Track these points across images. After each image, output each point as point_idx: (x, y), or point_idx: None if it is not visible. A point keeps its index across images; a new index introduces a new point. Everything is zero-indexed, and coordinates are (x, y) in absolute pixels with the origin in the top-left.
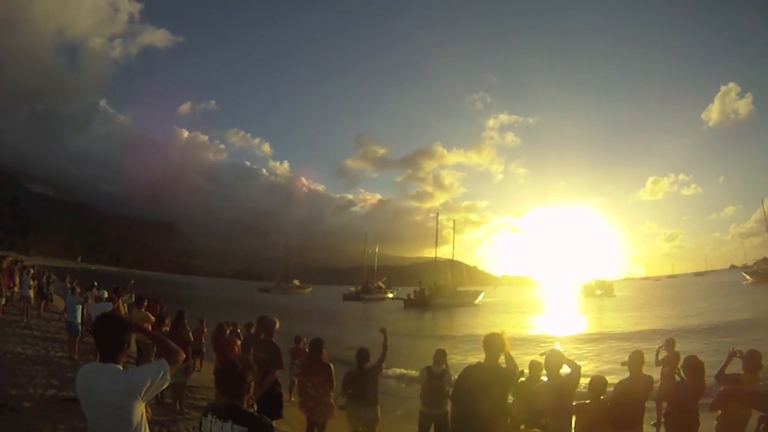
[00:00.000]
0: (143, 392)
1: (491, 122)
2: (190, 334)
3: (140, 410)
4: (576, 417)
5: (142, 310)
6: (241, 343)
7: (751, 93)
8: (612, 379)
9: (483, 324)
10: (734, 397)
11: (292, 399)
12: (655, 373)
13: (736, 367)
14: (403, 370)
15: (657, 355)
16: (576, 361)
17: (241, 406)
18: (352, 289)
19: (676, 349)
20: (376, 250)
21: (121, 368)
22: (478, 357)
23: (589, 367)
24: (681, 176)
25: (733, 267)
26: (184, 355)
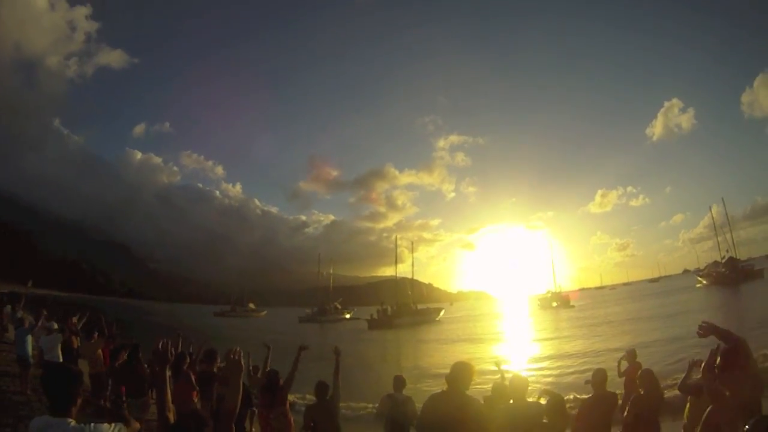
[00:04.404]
0: None
1: (441, 143)
2: (146, 367)
3: None
4: None
5: (92, 341)
6: (198, 378)
7: (693, 107)
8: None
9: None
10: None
11: (253, 430)
12: (620, 387)
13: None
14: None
15: (619, 366)
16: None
17: None
18: (308, 311)
19: (637, 360)
20: (331, 270)
21: (75, 425)
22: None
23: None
24: (629, 188)
25: (686, 271)
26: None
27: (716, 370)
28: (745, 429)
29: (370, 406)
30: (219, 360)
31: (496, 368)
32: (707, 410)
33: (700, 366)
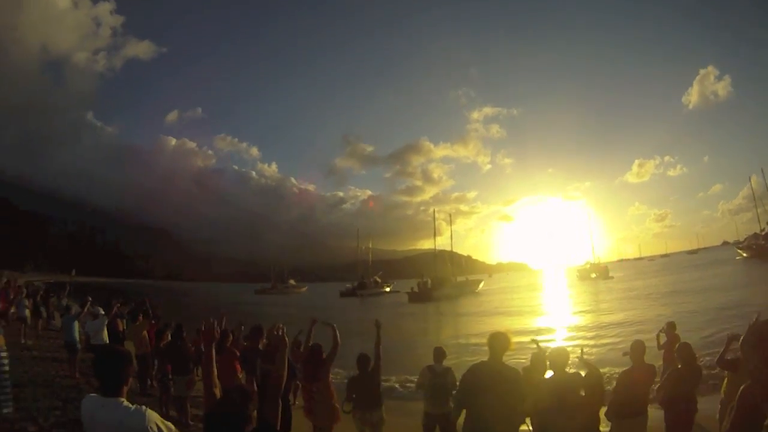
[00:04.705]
0: None
1: (475, 115)
2: (190, 345)
3: None
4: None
5: (137, 323)
6: (242, 359)
7: (729, 75)
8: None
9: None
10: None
11: (296, 403)
12: (659, 360)
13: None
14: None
15: (658, 339)
16: (597, 367)
17: None
18: (349, 285)
19: (676, 332)
20: (370, 245)
21: (127, 405)
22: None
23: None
24: (666, 158)
25: (725, 243)
26: None
27: (754, 346)
28: None
29: (411, 378)
30: (264, 336)
31: (535, 345)
32: (743, 386)
33: (738, 340)
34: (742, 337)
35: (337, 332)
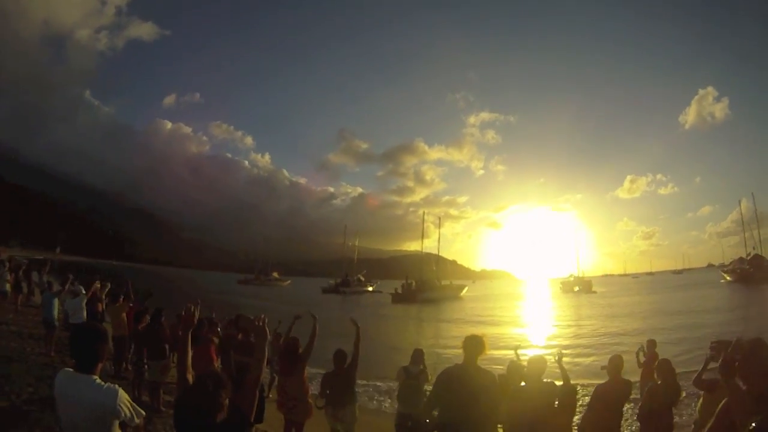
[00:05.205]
0: (121, 416)
1: (472, 119)
2: (168, 331)
3: (116, 428)
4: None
5: (117, 305)
6: (219, 344)
7: (728, 97)
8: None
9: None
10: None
11: (271, 396)
12: (635, 374)
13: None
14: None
15: (638, 357)
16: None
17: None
18: (332, 281)
19: (656, 351)
20: (356, 242)
21: (99, 382)
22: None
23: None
24: (659, 176)
25: (710, 265)
26: None
27: (735, 364)
28: (751, 427)
29: (387, 379)
30: (240, 328)
31: (515, 357)
32: (722, 402)
33: (717, 361)
34: (722, 356)
35: (317, 326)
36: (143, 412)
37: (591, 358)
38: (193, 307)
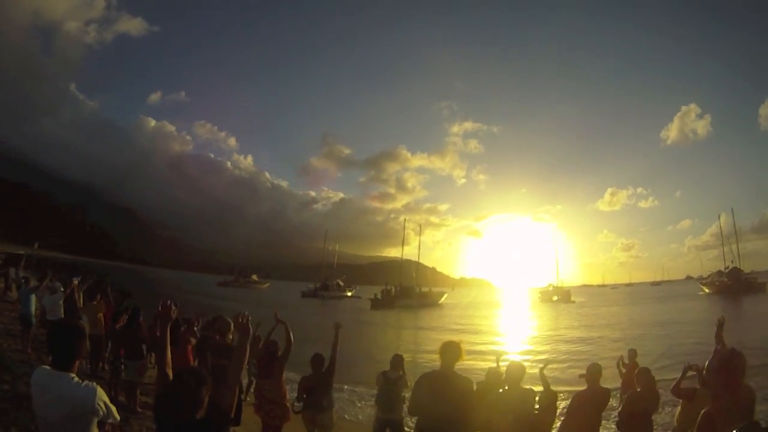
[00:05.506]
0: (100, 414)
1: (455, 128)
2: (145, 331)
3: (95, 426)
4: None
5: (95, 303)
6: (196, 346)
7: (710, 114)
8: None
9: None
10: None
11: (248, 399)
12: (613, 382)
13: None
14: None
15: (618, 366)
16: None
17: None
18: (311, 286)
19: (636, 360)
20: (336, 247)
21: (78, 380)
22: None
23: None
24: (639, 189)
25: (689, 278)
26: None
27: (717, 370)
28: None
29: (365, 384)
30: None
31: (495, 364)
32: (704, 410)
33: (696, 370)
34: (706, 363)
35: (291, 332)
36: (118, 417)
37: (569, 366)
38: (170, 302)
